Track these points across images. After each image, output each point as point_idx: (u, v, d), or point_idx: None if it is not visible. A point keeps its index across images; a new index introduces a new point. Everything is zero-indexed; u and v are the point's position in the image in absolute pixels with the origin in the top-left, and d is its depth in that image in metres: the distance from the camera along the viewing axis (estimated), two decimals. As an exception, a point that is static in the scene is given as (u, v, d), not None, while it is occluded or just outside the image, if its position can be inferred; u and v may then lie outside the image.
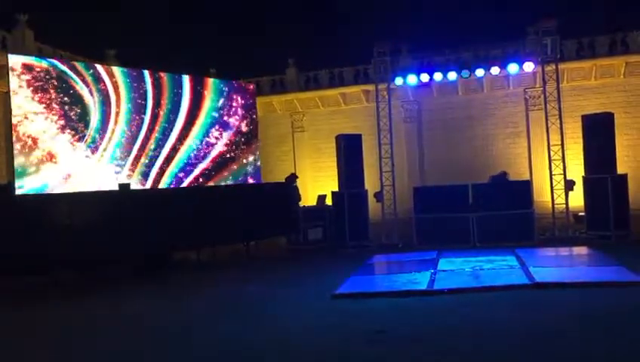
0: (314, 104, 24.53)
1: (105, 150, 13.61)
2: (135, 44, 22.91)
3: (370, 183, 14.71)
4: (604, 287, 7.51)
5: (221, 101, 16.09)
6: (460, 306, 6.94)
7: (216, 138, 15.90)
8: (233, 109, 16.35)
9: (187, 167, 15.20)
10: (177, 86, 15.28)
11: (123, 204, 10.88)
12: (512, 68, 13.71)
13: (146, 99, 14.63)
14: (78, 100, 13.20)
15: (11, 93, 11.99)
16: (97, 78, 13.75)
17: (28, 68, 12.40)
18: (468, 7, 25.91)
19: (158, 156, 14.62)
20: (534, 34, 14.23)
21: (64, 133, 12.86)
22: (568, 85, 20.05)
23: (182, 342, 6.09)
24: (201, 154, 15.52)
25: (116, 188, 11.74)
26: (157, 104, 14.82)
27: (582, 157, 13.41)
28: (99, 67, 14.06)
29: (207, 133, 15.67)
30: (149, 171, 14.42)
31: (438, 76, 14.16)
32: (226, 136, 16.03)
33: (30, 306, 8.49)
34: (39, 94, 12.50)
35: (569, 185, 13.34)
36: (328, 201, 14.82)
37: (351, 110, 23.81)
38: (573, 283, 7.83)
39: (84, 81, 13.41)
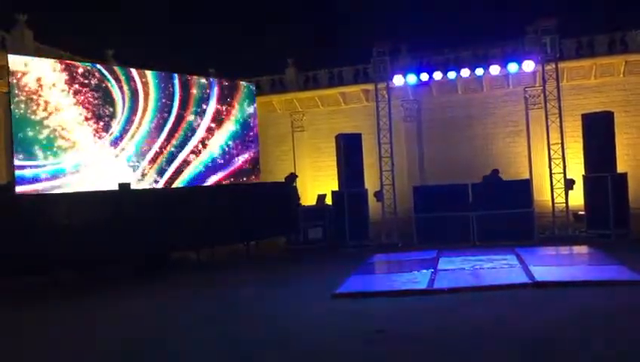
0: (314, 103, 24.53)
1: (124, 148, 13.94)
2: (134, 44, 22.91)
3: (370, 183, 14.70)
4: (604, 286, 7.50)
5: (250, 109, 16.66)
6: (460, 305, 6.93)
7: (237, 150, 16.29)
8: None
9: (205, 173, 15.54)
10: (205, 90, 15.71)
11: (123, 204, 10.87)
12: (512, 67, 13.70)
13: (172, 102, 15.02)
14: (107, 97, 13.72)
15: (49, 86, 12.61)
16: (129, 78, 14.24)
17: (69, 67, 13.22)
18: (467, 7, 25.90)
19: (174, 159, 14.88)
20: (534, 33, 14.22)
21: (90, 125, 13.36)
22: (568, 84, 20.05)
23: (182, 342, 6.09)
24: (220, 163, 15.86)
25: (124, 187, 11.76)
26: (183, 106, 15.25)
27: (582, 156, 13.40)
28: (133, 71, 14.50)
29: (228, 142, 16.12)
30: (165, 172, 14.67)
31: (437, 75, 14.14)
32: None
33: (30, 306, 8.48)
34: (74, 90, 13.16)
35: (569, 184, 13.33)
36: (328, 201, 14.81)
37: (350, 109, 23.82)
38: (573, 282, 7.83)
39: (117, 80, 13.96)
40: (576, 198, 13.60)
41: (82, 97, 13.28)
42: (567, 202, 13.40)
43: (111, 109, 13.79)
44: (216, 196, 12.87)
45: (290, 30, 28.58)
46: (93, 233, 10.00)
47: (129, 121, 14.13)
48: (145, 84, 14.51)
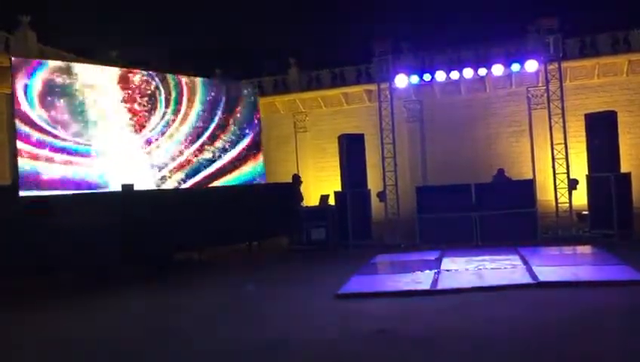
0: (316, 104, 24.54)
1: (158, 147, 14.14)
2: (137, 44, 22.95)
3: (373, 183, 14.69)
4: (607, 286, 7.48)
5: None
6: (463, 306, 6.92)
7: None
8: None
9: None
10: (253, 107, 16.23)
11: (126, 205, 10.89)
12: (515, 67, 13.68)
13: (215, 110, 15.37)
14: (151, 99, 14.07)
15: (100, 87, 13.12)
16: (178, 84, 14.68)
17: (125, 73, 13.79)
18: (470, 6, 25.86)
19: (206, 167, 15.00)
20: (536, 33, 14.19)
21: (129, 119, 13.65)
22: (571, 84, 20.02)
23: (183, 342, 6.09)
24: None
25: (126, 188, 11.79)
26: (229, 111, 15.65)
27: (585, 155, 13.38)
28: (183, 78, 14.98)
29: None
30: (191, 177, 14.74)
31: (440, 75, 14.12)
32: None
33: (30, 306, 8.49)
34: (125, 94, 13.61)
35: (572, 184, 13.30)
36: (331, 201, 14.80)
37: (353, 110, 23.82)
38: (576, 282, 7.80)
39: (166, 87, 14.41)
40: (580, 198, 13.56)
41: (127, 95, 13.61)
42: (570, 202, 13.36)
43: (153, 110, 14.08)
44: (219, 197, 12.88)
45: (292, 30, 28.58)
46: (96, 233, 10.01)
47: (168, 124, 14.34)
48: (191, 91, 14.85)
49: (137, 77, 13.94)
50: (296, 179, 14.92)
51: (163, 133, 14.18)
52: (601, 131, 12.83)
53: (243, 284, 9.54)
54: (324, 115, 24.53)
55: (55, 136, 12.25)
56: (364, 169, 14.18)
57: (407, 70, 14.31)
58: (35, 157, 11.87)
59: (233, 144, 15.66)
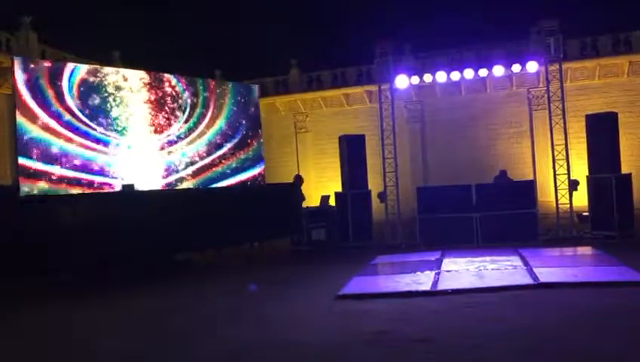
0: (317, 105, 24.55)
1: (179, 150, 14.18)
2: (138, 45, 22.99)
3: (374, 184, 14.70)
4: (608, 287, 7.48)
5: None
6: (464, 306, 6.92)
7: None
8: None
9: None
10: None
11: (127, 205, 10.90)
12: (516, 68, 13.68)
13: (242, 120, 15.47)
14: (179, 103, 14.25)
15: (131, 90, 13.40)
16: (206, 88, 14.84)
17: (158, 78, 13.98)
18: (471, 7, 25.88)
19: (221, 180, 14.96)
20: (537, 33, 14.20)
21: (153, 119, 13.78)
22: (572, 85, 20.02)
23: (183, 342, 6.09)
24: None
25: (128, 188, 11.79)
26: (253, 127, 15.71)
27: (586, 156, 13.37)
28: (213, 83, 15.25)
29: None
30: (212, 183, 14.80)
31: (441, 76, 14.12)
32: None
33: (30, 307, 8.50)
34: (153, 97, 13.80)
35: (573, 185, 13.30)
36: (332, 202, 14.80)
37: (354, 110, 23.84)
38: (577, 283, 7.80)
39: (194, 92, 14.55)
40: (581, 199, 13.56)
41: (154, 97, 13.79)
42: (571, 203, 13.36)
43: (179, 113, 14.18)
44: (221, 197, 12.88)
45: (293, 31, 28.61)
46: (96, 234, 10.01)
47: (192, 129, 14.40)
48: (222, 95, 14.99)
49: (166, 80, 14.07)
50: (298, 180, 14.91)
51: (183, 138, 14.21)
52: (602, 132, 12.84)
53: (244, 285, 9.55)
54: (324, 115, 24.54)
55: (82, 122, 12.50)
56: (364, 169, 14.19)
57: (408, 71, 14.31)
58: (58, 134, 12.11)
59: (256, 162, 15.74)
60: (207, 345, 5.99)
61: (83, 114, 12.49)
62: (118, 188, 12.45)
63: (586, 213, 13.52)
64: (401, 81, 14.41)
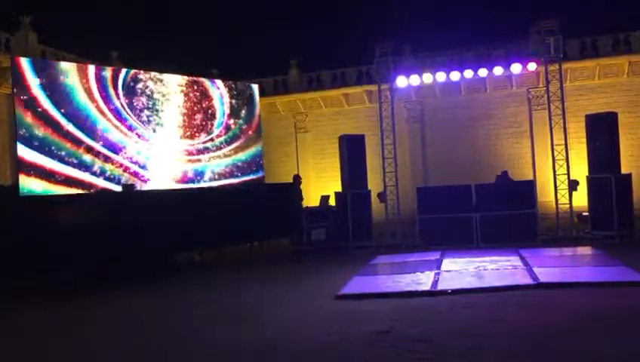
0: (317, 105, 24.54)
1: (207, 161, 14.28)
2: (137, 45, 22.97)
3: (373, 184, 14.70)
4: (608, 287, 7.48)
5: None
6: (464, 306, 6.92)
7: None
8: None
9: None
10: None
11: (127, 205, 10.89)
12: (515, 68, 13.67)
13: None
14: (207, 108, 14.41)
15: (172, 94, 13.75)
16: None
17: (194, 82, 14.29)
18: (471, 7, 25.88)
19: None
20: (537, 34, 14.20)
21: (187, 124, 13.98)
22: (572, 85, 20.02)
23: (183, 342, 6.09)
24: None
25: (128, 188, 11.79)
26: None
27: (585, 156, 13.37)
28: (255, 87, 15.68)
29: None
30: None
31: (440, 76, 14.13)
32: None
33: (30, 307, 8.50)
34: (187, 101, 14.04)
35: (573, 185, 13.30)
36: (331, 202, 14.81)
37: (354, 110, 23.83)
38: (577, 283, 7.80)
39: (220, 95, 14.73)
40: (580, 199, 13.56)
41: (189, 103, 14.02)
42: (570, 203, 13.36)
43: (209, 125, 14.36)
44: (220, 197, 12.87)
45: (293, 31, 28.60)
46: (96, 233, 10.01)
47: (227, 142, 14.54)
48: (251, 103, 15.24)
49: (203, 85, 14.27)
50: (297, 180, 14.92)
51: (219, 149, 14.32)
52: (602, 132, 12.84)
53: (243, 285, 9.55)
54: (324, 115, 24.54)
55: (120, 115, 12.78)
56: (364, 169, 14.19)
57: (408, 71, 14.31)
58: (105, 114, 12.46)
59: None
60: (207, 344, 5.99)
61: (125, 109, 12.76)
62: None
63: (586, 213, 13.52)
64: (401, 81, 14.41)
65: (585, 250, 11.26)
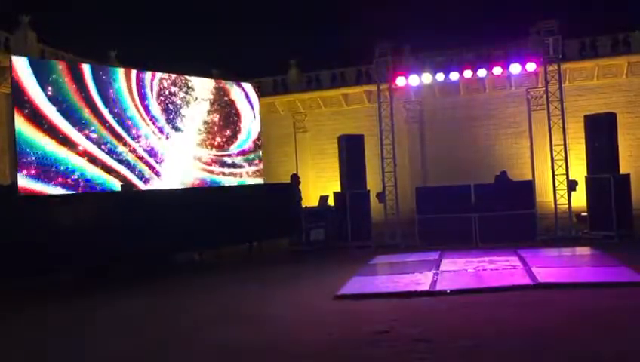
0: (316, 104, 24.55)
1: (225, 173, 14.56)
2: (136, 44, 22.96)
3: (373, 184, 14.70)
4: (607, 288, 7.49)
5: None
6: (463, 307, 6.93)
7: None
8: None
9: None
10: None
11: (127, 205, 10.90)
12: (514, 68, 13.69)
13: None
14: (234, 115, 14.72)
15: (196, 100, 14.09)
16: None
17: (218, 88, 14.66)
18: (470, 7, 25.89)
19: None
20: (536, 34, 14.21)
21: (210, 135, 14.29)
22: (571, 85, 20.04)
23: (183, 343, 6.10)
24: None
25: (127, 188, 11.80)
26: None
27: (584, 157, 13.39)
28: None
29: None
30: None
31: (439, 76, 14.13)
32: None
33: (30, 307, 8.50)
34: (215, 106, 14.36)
35: (571, 185, 13.32)
36: (330, 202, 14.81)
37: (353, 110, 23.84)
38: (576, 283, 7.82)
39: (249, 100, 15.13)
40: (579, 199, 13.58)
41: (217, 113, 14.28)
42: (569, 203, 13.38)
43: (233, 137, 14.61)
44: (219, 197, 12.88)
45: (292, 30, 28.60)
46: (96, 233, 10.01)
47: (248, 162, 14.77)
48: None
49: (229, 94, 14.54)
50: (295, 179, 14.92)
51: (240, 167, 14.47)
52: (601, 132, 12.87)
53: (243, 285, 9.56)
54: (323, 115, 24.55)
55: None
56: (363, 169, 14.20)
57: (407, 71, 14.32)
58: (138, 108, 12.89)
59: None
60: (206, 344, 6.00)
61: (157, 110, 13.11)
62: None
63: (585, 214, 13.54)
64: (400, 81, 14.42)
65: (584, 250, 11.28)
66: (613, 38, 20.70)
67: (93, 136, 12.26)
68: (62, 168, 11.88)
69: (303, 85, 24.67)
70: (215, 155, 14.00)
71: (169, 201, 11.66)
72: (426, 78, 14.20)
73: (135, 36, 24.59)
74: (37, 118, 11.62)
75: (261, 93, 21.05)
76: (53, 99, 11.77)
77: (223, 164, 14.10)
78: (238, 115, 14.41)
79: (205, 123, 13.90)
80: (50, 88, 11.73)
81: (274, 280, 9.92)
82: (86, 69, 12.31)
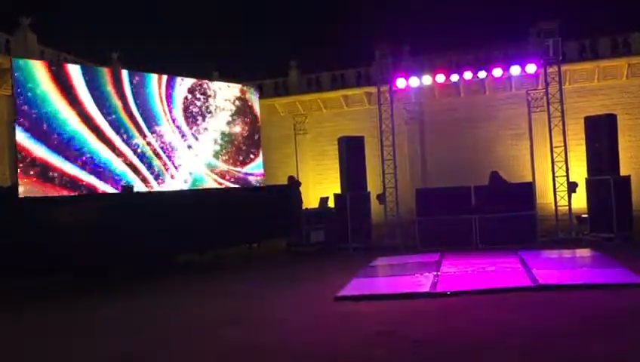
0: (316, 106, 24.57)
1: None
2: (137, 46, 22.99)
3: (373, 185, 14.71)
4: (607, 289, 7.49)
5: None
6: (463, 308, 6.93)
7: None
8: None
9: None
10: None
11: (127, 205, 10.89)
12: (515, 69, 13.69)
13: None
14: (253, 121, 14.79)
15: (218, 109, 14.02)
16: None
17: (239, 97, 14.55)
18: (470, 9, 25.91)
19: None
20: (536, 35, 14.23)
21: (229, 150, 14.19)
22: (571, 87, 20.06)
23: (183, 342, 6.10)
24: None
25: (128, 189, 11.78)
26: None
27: (585, 158, 13.39)
28: None
29: None
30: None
31: (440, 78, 14.14)
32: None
33: (30, 307, 8.50)
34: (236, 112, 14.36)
35: (571, 187, 13.32)
36: (331, 203, 14.81)
37: (353, 112, 23.86)
38: (576, 285, 7.81)
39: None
40: (580, 201, 13.58)
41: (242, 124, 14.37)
42: (570, 205, 13.38)
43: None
44: (220, 199, 12.88)
45: (293, 32, 28.62)
46: (96, 235, 10.01)
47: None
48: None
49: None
50: (292, 181, 14.90)
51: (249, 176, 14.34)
52: (601, 134, 12.85)
53: (243, 285, 9.55)
54: (324, 117, 24.57)
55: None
56: (363, 171, 14.19)
57: (407, 72, 14.32)
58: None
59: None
60: (207, 345, 5.99)
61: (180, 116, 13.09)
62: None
63: (585, 215, 13.53)
64: (401, 83, 14.43)
65: (584, 252, 11.26)
66: (613, 39, 20.72)
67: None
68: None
69: (303, 87, 24.70)
70: (229, 169, 14.03)
71: (169, 202, 11.66)
72: (426, 79, 14.21)
73: (136, 37, 24.64)
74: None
75: (261, 94, 21.09)
76: (100, 106, 11.86)
77: (234, 179, 14.11)
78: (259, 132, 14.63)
79: (225, 134, 13.94)
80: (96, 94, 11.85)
81: (274, 281, 9.92)
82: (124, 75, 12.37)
